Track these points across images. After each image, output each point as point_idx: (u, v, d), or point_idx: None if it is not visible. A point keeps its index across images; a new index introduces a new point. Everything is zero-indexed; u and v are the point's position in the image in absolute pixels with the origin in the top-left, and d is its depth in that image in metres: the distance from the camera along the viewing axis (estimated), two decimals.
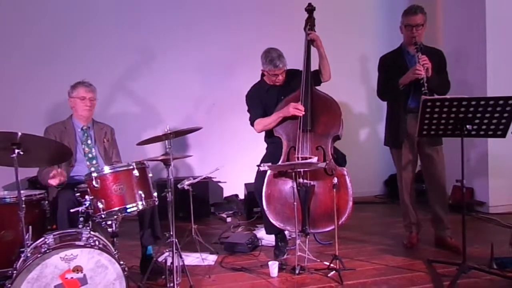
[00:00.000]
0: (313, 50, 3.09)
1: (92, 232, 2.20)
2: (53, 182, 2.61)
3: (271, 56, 3.05)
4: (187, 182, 3.22)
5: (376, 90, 3.31)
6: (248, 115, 3.25)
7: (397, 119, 3.13)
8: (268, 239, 3.33)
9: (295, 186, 2.79)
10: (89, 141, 2.95)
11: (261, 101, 3.19)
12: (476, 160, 4.25)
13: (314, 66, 3.12)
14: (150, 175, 2.52)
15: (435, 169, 3.11)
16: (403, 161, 3.16)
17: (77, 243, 2.07)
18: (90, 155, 2.92)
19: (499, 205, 4.10)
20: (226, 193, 4.87)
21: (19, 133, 2.02)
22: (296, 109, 2.92)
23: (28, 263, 1.92)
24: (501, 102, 2.36)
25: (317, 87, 3.12)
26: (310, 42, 3.05)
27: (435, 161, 3.10)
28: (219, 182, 4.74)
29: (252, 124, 3.21)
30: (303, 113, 2.92)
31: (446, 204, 3.18)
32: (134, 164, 2.39)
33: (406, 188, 3.22)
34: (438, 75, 3.01)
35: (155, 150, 3.68)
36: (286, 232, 3.18)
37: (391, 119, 3.24)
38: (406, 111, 3.08)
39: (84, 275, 2.01)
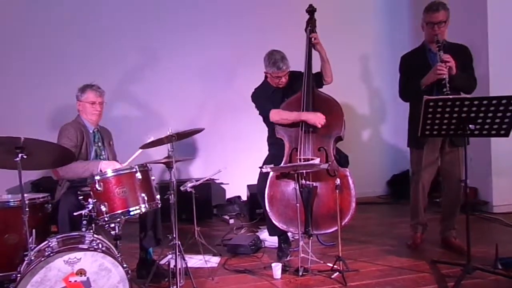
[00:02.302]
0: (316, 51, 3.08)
1: (95, 235, 2.20)
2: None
3: (275, 58, 3.04)
4: (189, 184, 3.22)
5: (398, 91, 3.20)
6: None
7: (419, 119, 3.07)
8: (271, 241, 3.32)
9: (297, 187, 2.79)
10: (99, 143, 2.97)
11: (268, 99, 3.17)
12: (479, 160, 4.23)
13: (317, 68, 3.11)
14: (153, 177, 2.52)
15: (455, 170, 3.04)
16: (424, 161, 3.08)
17: (80, 246, 2.07)
18: (101, 157, 2.94)
19: (503, 205, 4.09)
20: (228, 195, 4.87)
21: (22, 138, 2.03)
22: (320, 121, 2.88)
23: (32, 267, 1.93)
24: (504, 101, 2.35)
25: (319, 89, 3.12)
26: (311, 45, 3.05)
27: (456, 162, 3.03)
28: (222, 184, 4.73)
29: (265, 115, 3.11)
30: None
31: (459, 206, 3.12)
32: (137, 167, 2.40)
33: (423, 189, 3.15)
34: (463, 72, 2.91)
35: (158, 153, 3.68)
36: (289, 234, 3.17)
37: (413, 120, 3.11)
38: None
39: (88, 278, 2.02)
